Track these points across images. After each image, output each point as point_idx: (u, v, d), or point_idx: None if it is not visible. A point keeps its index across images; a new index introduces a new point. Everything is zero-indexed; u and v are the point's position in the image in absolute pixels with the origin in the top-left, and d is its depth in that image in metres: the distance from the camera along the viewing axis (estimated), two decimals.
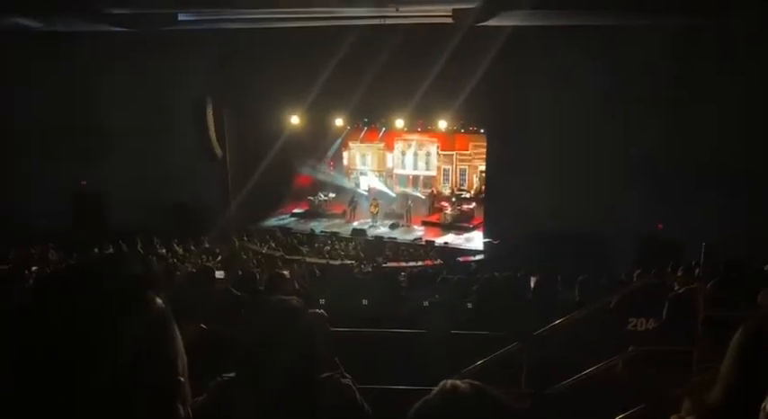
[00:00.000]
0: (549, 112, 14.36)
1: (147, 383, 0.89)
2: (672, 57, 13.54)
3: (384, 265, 14.40)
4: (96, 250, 10.57)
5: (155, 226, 14.66)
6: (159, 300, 0.95)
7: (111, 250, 11.08)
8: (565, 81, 13.94)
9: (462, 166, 20.94)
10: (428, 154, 21.46)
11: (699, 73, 13.23)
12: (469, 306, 4.87)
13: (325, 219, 20.53)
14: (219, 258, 12.50)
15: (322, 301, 4.99)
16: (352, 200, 20.39)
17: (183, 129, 17.19)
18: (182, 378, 0.96)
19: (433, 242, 17.30)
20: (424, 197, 21.11)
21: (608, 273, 8.57)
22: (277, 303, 2.00)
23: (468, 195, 20.54)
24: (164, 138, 16.81)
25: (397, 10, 12.50)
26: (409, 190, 21.81)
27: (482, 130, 18.21)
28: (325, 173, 22.20)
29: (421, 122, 19.30)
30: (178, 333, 0.98)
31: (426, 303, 4.89)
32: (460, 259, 15.49)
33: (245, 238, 17.39)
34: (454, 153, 20.84)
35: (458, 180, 21.12)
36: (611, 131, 14.09)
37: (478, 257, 15.93)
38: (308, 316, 2.02)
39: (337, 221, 20.34)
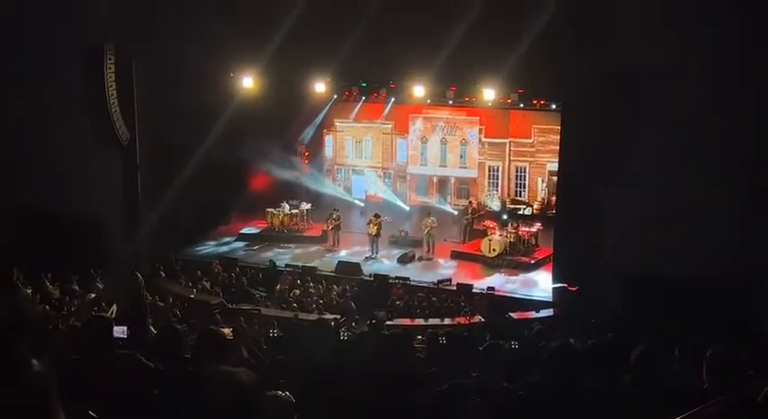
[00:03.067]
0: (670, 79, 14.36)
1: None
2: None
3: (389, 323, 14.38)
4: None
5: (11, 251, 14.66)
6: (37, 364, 0.97)
7: None
8: (699, 27, 13.93)
9: (520, 164, 21.00)
10: (465, 142, 21.54)
11: None
12: (528, 390, 4.91)
13: (292, 246, 20.54)
14: (115, 306, 12.53)
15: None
16: (336, 216, 20.47)
17: (64, 96, 17.27)
18: None
19: (471, 286, 17.26)
20: (456, 212, 21.12)
21: (755, 345, 8.55)
22: (217, 379, 2.03)
23: (528, 211, 20.55)
24: (30, 111, 16.85)
25: None
26: (433, 200, 21.84)
27: (555, 106, 18.27)
28: (296, 169, 22.30)
29: (454, 90, 19.36)
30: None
31: (457, 384, 4.94)
32: (514, 315, 15.47)
33: (162, 273, 17.41)
34: (507, 141, 20.89)
35: (513, 186, 21.17)
36: None
37: (544, 313, 15.90)
38: (265, 402, 2.06)
39: (313, 249, 20.34)
